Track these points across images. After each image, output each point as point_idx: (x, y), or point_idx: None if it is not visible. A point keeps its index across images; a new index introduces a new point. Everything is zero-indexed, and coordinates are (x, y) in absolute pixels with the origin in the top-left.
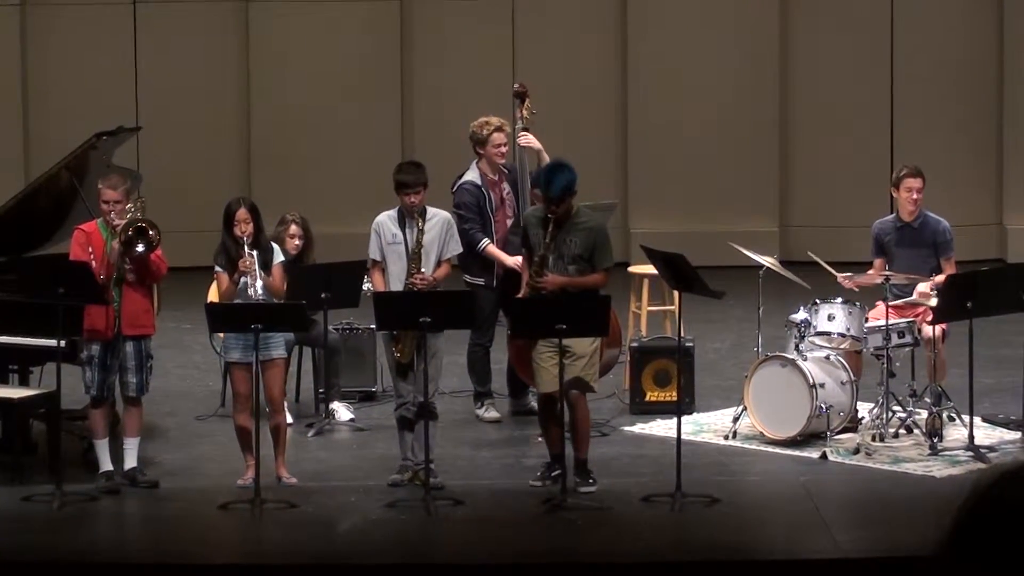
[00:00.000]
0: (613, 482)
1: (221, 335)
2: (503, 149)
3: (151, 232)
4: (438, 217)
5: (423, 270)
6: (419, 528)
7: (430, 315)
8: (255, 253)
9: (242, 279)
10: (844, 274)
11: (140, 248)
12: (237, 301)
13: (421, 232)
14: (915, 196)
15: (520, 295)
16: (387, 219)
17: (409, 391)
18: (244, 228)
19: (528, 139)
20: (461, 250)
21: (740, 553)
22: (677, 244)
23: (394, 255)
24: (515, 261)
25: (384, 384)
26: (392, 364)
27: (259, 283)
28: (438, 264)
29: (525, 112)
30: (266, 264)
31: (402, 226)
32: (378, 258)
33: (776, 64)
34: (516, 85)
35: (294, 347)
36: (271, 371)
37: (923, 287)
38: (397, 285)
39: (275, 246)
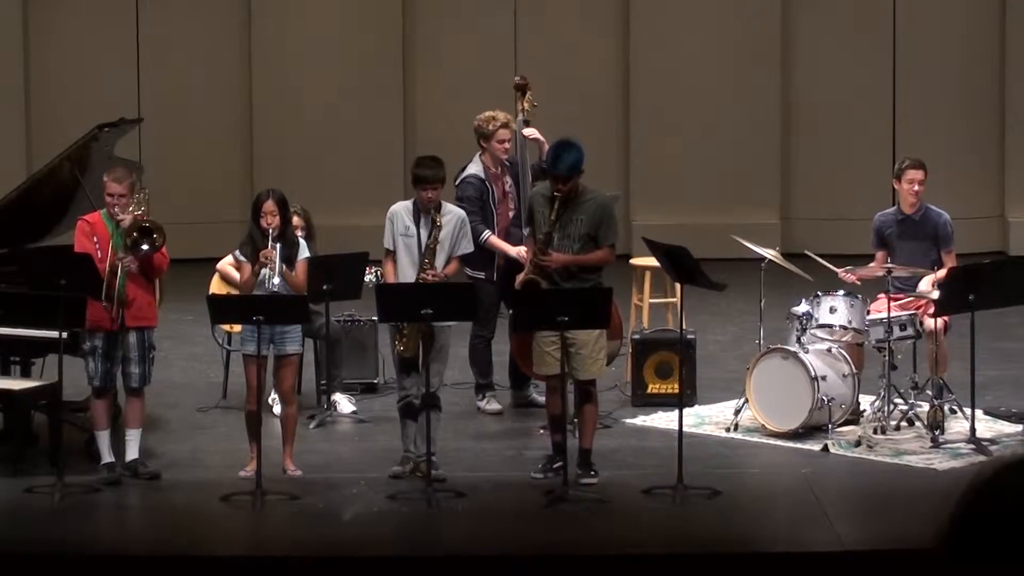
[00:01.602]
0: (615, 474)
1: (224, 327)
2: (507, 145)
3: (155, 234)
4: (453, 214)
5: (436, 266)
6: (420, 520)
7: (431, 307)
8: (279, 246)
9: (262, 271)
10: (845, 268)
11: (145, 248)
12: (256, 293)
13: (438, 228)
14: (916, 188)
15: (521, 277)
16: (402, 210)
17: (412, 384)
18: (271, 220)
19: (532, 131)
20: (472, 249)
21: (741, 545)
22: (679, 236)
23: (404, 248)
24: (518, 251)
25: (386, 376)
26: (396, 358)
27: (277, 277)
28: (447, 261)
29: (526, 105)
30: (289, 259)
31: (416, 220)
32: (392, 247)
33: (778, 56)
34: (517, 78)
35: None
36: (286, 367)
37: (924, 286)
38: (404, 277)
39: (302, 242)
